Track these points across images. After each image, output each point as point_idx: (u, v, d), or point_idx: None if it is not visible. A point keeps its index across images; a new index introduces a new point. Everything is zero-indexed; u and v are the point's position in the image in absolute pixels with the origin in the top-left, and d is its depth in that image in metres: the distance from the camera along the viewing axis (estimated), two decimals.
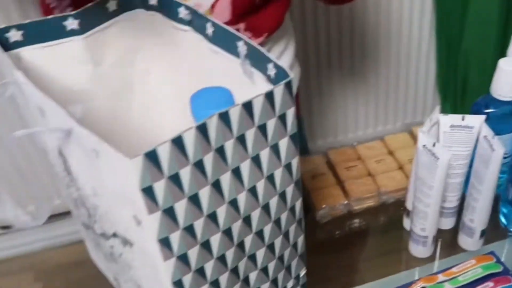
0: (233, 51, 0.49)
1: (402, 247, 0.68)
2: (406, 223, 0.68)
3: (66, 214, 0.55)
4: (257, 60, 0.47)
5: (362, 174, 0.75)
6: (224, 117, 0.39)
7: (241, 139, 0.41)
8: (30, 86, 0.44)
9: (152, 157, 0.36)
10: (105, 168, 0.40)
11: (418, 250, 0.66)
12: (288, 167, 0.46)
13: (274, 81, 0.45)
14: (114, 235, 0.48)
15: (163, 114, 0.63)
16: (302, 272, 0.57)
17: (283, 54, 0.76)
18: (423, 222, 0.62)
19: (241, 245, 0.47)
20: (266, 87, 0.46)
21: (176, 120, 0.63)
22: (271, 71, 0.45)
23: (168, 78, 0.61)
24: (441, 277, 0.62)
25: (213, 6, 0.64)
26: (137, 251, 0.45)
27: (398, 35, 1.38)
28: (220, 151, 0.40)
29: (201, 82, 0.56)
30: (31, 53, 0.52)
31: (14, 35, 0.51)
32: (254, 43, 0.46)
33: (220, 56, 0.51)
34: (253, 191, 0.45)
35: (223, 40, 0.50)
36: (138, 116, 0.63)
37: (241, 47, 0.48)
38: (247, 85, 0.49)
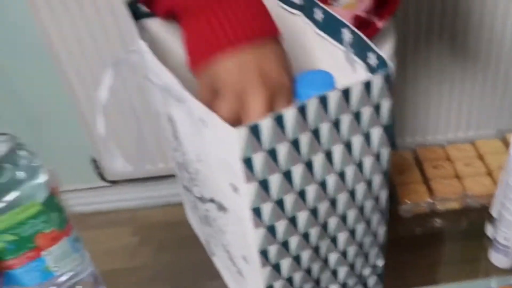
0: (338, 38, 0.51)
1: (482, 255, 0.68)
2: (489, 230, 0.68)
3: (168, 177, 0.59)
4: (360, 49, 0.49)
5: (449, 175, 0.74)
6: (323, 101, 0.41)
7: (336, 123, 0.43)
8: (150, 56, 0.48)
9: (254, 130, 0.39)
10: (210, 136, 0.43)
11: (499, 259, 0.65)
12: (378, 156, 0.48)
13: (374, 70, 0.47)
14: (211, 200, 0.51)
15: None
16: (380, 263, 0.58)
17: (384, 46, 0.77)
18: (508, 232, 0.62)
19: (325, 225, 0.49)
20: (366, 75, 0.48)
21: None
22: (372, 60, 0.47)
23: None
24: None
25: None
26: (230, 217, 0.49)
27: (500, 38, 1.34)
28: (316, 132, 0.43)
29: (305, 64, 0.59)
30: (157, 25, 0.58)
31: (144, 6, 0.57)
32: (358, 31, 0.48)
33: (325, 42, 0.53)
34: (342, 174, 0.47)
35: (330, 27, 0.52)
36: None
37: (346, 35, 0.50)
38: (348, 71, 0.51)
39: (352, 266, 0.55)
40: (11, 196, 0.50)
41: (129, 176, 1.69)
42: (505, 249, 0.63)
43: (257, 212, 0.43)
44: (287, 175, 0.43)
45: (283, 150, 0.41)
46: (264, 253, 0.47)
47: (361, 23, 0.70)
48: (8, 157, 0.50)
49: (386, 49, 0.77)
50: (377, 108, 0.45)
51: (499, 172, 0.70)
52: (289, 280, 0.51)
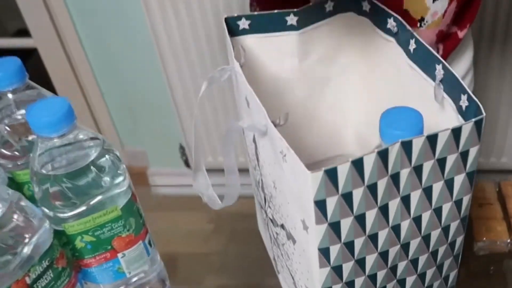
0: (430, 72, 0.49)
1: None
2: None
3: (246, 170, 0.60)
4: (451, 87, 0.47)
5: None
6: (406, 146, 0.40)
7: (418, 170, 0.42)
8: (242, 78, 0.49)
9: (331, 174, 0.38)
10: (288, 170, 0.43)
11: None
12: (458, 203, 0.46)
13: (463, 113, 0.45)
14: (282, 226, 0.51)
15: (350, 111, 0.66)
16: None
17: (463, 56, 0.73)
18: None
19: (393, 268, 0.48)
20: (454, 118, 0.46)
21: (360, 119, 0.66)
22: (463, 102, 0.45)
23: (363, 81, 0.63)
24: None
25: (444, 12, 0.64)
26: (298, 249, 0.48)
27: None
28: (395, 177, 0.41)
29: (393, 94, 0.57)
30: (252, 41, 0.59)
31: (243, 23, 0.58)
32: (452, 70, 0.46)
33: (415, 74, 0.51)
34: (417, 220, 0.45)
35: (423, 59, 0.50)
36: (327, 110, 0.67)
37: (438, 71, 0.48)
38: (436, 109, 0.49)
39: None
40: (95, 200, 0.52)
41: (211, 167, 1.73)
42: None
43: (324, 252, 0.43)
44: (360, 219, 0.42)
45: (358, 194, 0.40)
46: None
47: (443, 36, 0.67)
48: (97, 161, 0.52)
49: (465, 59, 0.74)
50: (463, 154, 0.43)
51: None
52: None
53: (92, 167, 0.52)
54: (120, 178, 0.54)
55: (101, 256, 0.56)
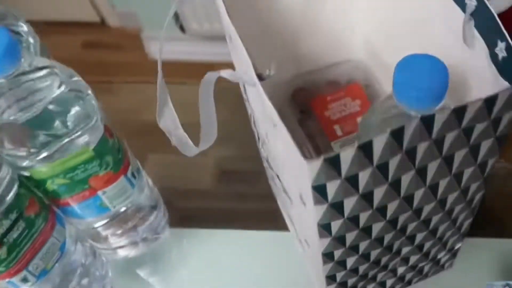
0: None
1: None
2: None
3: None
4: (485, 27, 0.37)
5: None
6: (427, 121, 0.32)
7: (438, 143, 0.34)
8: (223, 9, 0.40)
9: (332, 162, 0.31)
10: (280, 140, 0.36)
11: None
12: (482, 165, 0.39)
13: (499, 65, 0.36)
14: (278, 178, 0.45)
15: (358, 18, 0.58)
16: (458, 245, 0.52)
17: None
18: None
19: (403, 229, 0.42)
20: (486, 67, 0.37)
21: (369, 26, 0.57)
22: (500, 51, 0.36)
23: None
24: None
25: None
26: (296, 209, 0.43)
27: None
28: (410, 152, 0.34)
29: (409, 9, 0.47)
30: None
31: None
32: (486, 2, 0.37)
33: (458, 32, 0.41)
34: (433, 187, 0.39)
35: None
36: (330, 16, 0.58)
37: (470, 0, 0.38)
38: (464, 48, 0.40)
39: (426, 254, 0.50)
40: (58, 144, 0.46)
41: (207, 33, 1.62)
42: None
43: (325, 227, 0.37)
44: (366, 196, 0.36)
45: (365, 176, 0.34)
46: (328, 255, 0.42)
47: None
48: (55, 100, 0.45)
49: None
50: (495, 122, 0.35)
51: None
52: (354, 270, 0.46)
53: (50, 108, 0.44)
54: (85, 114, 0.47)
55: (78, 195, 0.51)
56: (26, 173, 0.47)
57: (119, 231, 0.58)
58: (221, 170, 0.70)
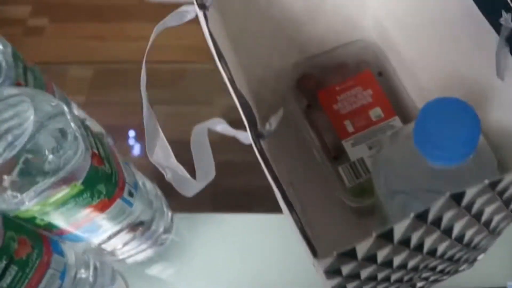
0: (495, 20, 0.33)
1: None
2: None
3: None
4: None
5: None
6: (456, 197, 0.28)
7: (468, 208, 0.30)
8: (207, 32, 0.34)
9: (346, 254, 0.27)
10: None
11: None
12: None
13: None
14: None
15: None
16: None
17: None
18: None
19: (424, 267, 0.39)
20: None
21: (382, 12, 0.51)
22: None
23: None
24: None
25: None
26: None
27: None
28: (436, 222, 0.30)
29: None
30: None
31: None
32: None
33: (474, 17, 0.35)
34: (459, 238, 0.35)
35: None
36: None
37: (505, 20, 0.32)
38: (493, 77, 0.34)
39: (445, 272, 0.46)
40: (41, 185, 0.41)
41: None
42: None
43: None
44: (385, 264, 0.32)
45: (384, 252, 0.30)
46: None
47: None
48: (32, 138, 0.40)
49: None
50: None
51: None
52: None
53: (28, 148, 0.40)
54: (70, 148, 0.42)
55: (73, 225, 0.47)
56: (11, 214, 0.43)
57: (124, 243, 0.55)
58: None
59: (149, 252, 0.59)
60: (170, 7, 0.39)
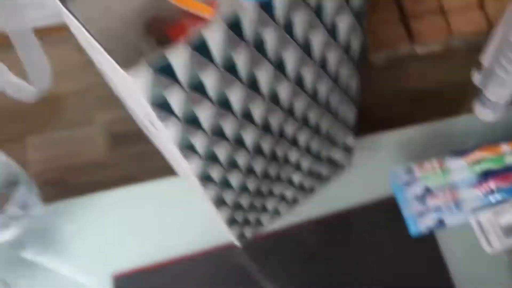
0: None
1: (466, 103, 0.59)
2: (477, 79, 0.58)
3: None
4: None
5: (432, 10, 0.61)
6: (266, 7, 0.28)
7: (288, 27, 0.31)
8: None
9: (163, 68, 0.27)
10: (108, 65, 0.30)
11: (484, 113, 0.57)
12: (347, 47, 0.36)
13: None
14: (145, 128, 0.41)
15: None
16: (350, 141, 0.50)
17: None
18: (500, 90, 0.52)
19: (281, 133, 0.39)
20: None
21: None
22: None
23: None
24: (505, 148, 0.54)
25: None
26: (157, 139, 0.39)
27: None
28: (258, 43, 0.30)
29: None
30: None
31: None
32: None
33: None
34: (299, 81, 0.35)
35: None
36: None
37: None
38: None
39: (317, 156, 0.47)
40: None
41: None
42: (493, 105, 0.55)
43: (186, 146, 0.33)
44: (222, 102, 0.32)
45: (211, 77, 0.30)
46: (205, 177, 0.38)
47: None
48: None
49: None
50: None
51: (495, 5, 0.58)
52: (243, 188, 0.43)
53: None
54: None
55: None
56: None
57: None
58: (112, 134, 0.64)
59: (16, 228, 0.55)
60: None
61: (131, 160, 0.62)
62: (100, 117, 0.67)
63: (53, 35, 0.66)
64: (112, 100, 0.63)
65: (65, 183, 0.59)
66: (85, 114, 0.64)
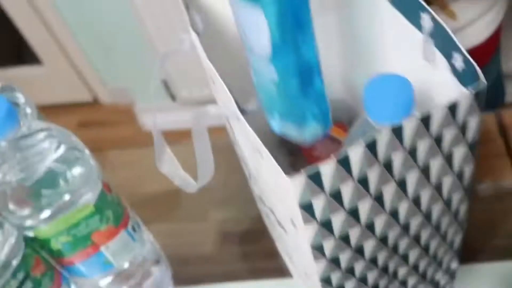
0: (416, 22, 0.43)
1: None
2: None
3: None
4: (443, 42, 0.40)
5: None
6: (397, 132, 0.35)
7: (412, 152, 0.37)
8: (202, 53, 0.43)
9: (314, 176, 0.34)
10: (267, 168, 0.38)
11: None
12: (460, 175, 0.41)
13: (460, 76, 0.39)
14: (271, 211, 0.47)
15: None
16: (455, 265, 0.54)
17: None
18: None
19: (395, 248, 0.44)
20: (448, 79, 0.40)
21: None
22: (458, 62, 0.39)
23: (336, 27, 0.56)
24: None
25: None
26: (290, 238, 0.45)
27: None
28: (388, 164, 0.37)
29: (373, 45, 0.51)
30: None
31: None
32: (441, 21, 0.40)
33: (399, 23, 0.45)
34: (416, 200, 0.41)
35: (407, 6, 0.44)
36: None
37: (426, 21, 0.42)
38: (425, 67, 0.43)
39: (423, 275, 0.51)
40: (60, 201, 0.48)
41: (198, 99, 1.68)
42: None
43: (318, 248, 0.39)
44: (353, 212, 0.38)
45: (348, 189, 0.36)
46: (326, 280, 0.43)
47: None
48: (54, 159, 0.47)
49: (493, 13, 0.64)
50: (463, 128, 0.38)
51: None
52: None
53: (50, 167, 0.47)
54: (84, 171, 0.49)
55: (82, 253, 0.52)
56: (31, 234, 0.49)
57: None
58: (223, 232, 0.71)
59: None
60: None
61: (237, 259, 0.67)
62: (214, 215, 0.74)
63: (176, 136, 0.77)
64: (226, 201, 0.71)
65: (173, 271, 0.65)
66: (201, 210, 0.71)
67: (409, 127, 0.35)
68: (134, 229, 0.56)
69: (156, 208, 0.71)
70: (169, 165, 0.48)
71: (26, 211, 0.47)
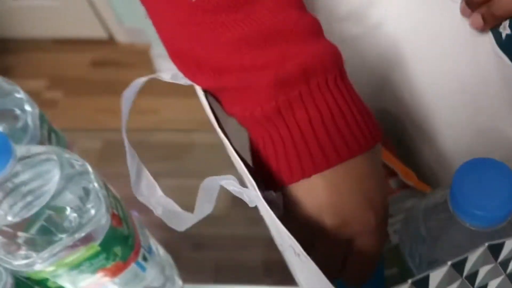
0: None
1: None
2: None
3: None
4: None
5: None
6: (494, 249, 0.27)
7: (503, 264, 0.29)
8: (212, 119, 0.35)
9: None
10: (306, 272, 0.30)
11: None
12: None
13: None
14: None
15: None
16: None
17: None
18: None
19: None
20: None
21: None
22: None
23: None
24: None
25: None
26: None
27: None
28: (471, 276, 0.29)
29: (474, 95, 0.42)
30: None
31: None
32: None
33: (504, 68, 0.35)
34: None
35: None
36: None
37: None
38: None
39: None
40: (59, 244, 0.40)
41: None
42: None
43: None
44: None
45: None
46: None
47: None
48: (57, 195, 0.40)
49: None
50: None
51: None
52: None
53: (51, 204, 0.39)
54: (92, 208, 0.41)
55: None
56: (23, 273, 0.42)
57: None
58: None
59: None
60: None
61: (246, 223, 0.64)
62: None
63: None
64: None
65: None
66: (214, 168, 0.66)
67: (510, 244, 0.27)
68: (145, 259, 0.49)
69: (166, 161, 0.65)
70: (146, 189, 0.40)
71: (18, 255, 0.40)
